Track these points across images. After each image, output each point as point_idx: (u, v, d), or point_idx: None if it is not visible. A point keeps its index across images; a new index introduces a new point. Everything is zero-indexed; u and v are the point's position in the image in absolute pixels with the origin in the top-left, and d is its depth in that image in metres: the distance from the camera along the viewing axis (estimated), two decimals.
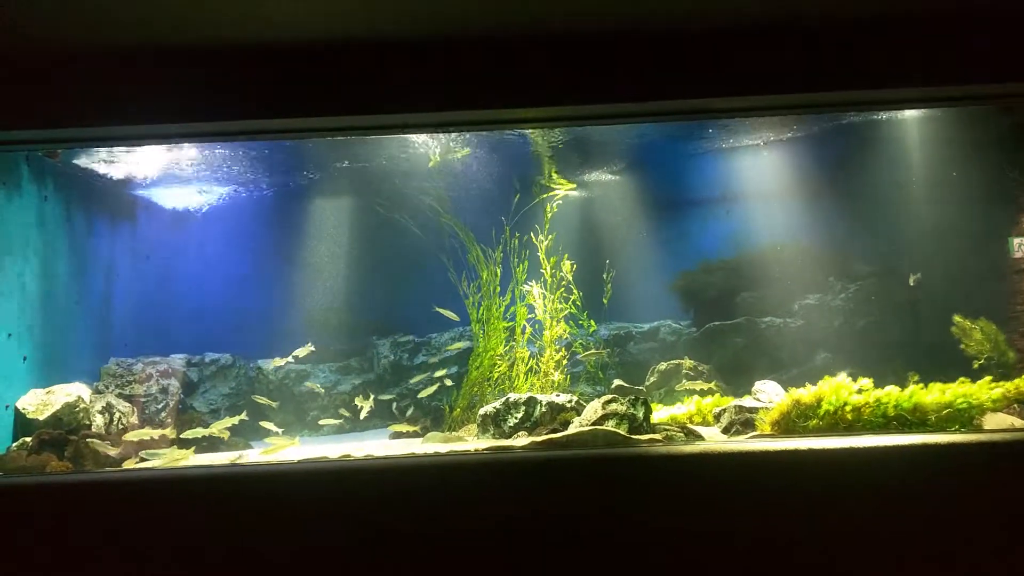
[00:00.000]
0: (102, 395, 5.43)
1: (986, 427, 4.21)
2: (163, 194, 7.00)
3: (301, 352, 6.08)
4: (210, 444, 5.07)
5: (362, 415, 5.91)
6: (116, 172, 6.18)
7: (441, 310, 6.03)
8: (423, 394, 6.16)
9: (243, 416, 5.38)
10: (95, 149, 5.51)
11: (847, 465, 3.48)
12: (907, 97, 4.12)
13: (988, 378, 4.60)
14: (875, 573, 3.38)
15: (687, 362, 6.37)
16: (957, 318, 5.50)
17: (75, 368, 5.51)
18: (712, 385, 5.96)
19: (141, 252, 6.80)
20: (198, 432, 5.00)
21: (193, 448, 4.74)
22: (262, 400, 6.02)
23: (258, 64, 3.76)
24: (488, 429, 4.95)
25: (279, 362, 6.43)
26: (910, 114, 5.71)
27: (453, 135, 5.66)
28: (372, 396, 6.05)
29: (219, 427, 5.10)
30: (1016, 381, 4.65)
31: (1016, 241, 5.27)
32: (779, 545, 3.40)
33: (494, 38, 3.73)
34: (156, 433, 4.69)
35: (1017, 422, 4.34)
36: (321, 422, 6.19)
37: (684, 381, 6.11)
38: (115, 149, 5.56)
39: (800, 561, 3.39)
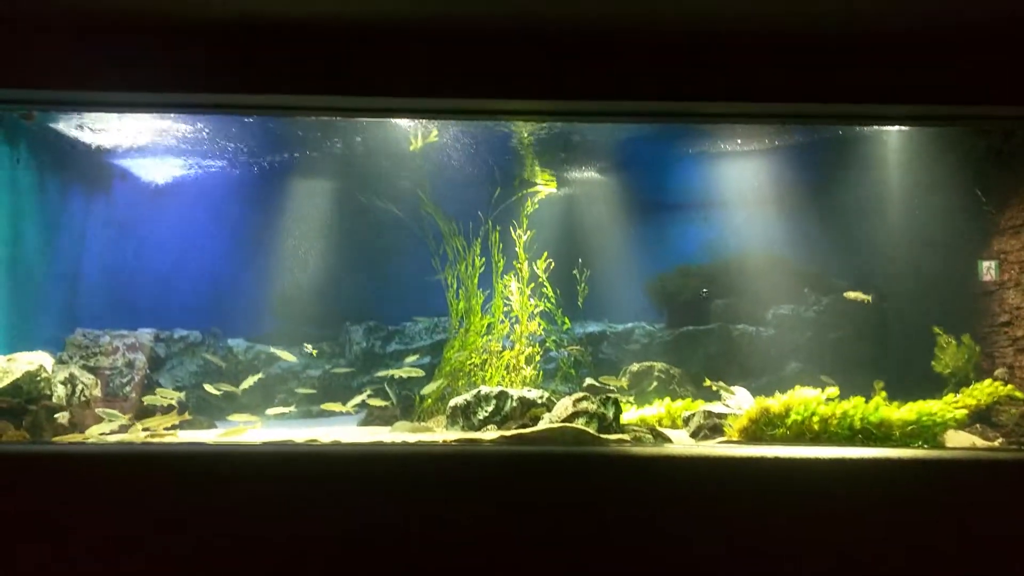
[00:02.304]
0: (66, 365, 5.32)
1: (948, 444, 4.27)
2: (141, 165, 6.87)
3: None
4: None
5: (354, 402, 5.60)
6: (94, 139, 6.06)
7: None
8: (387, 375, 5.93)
9: (186, 416, 4.99)
10: (72, 115, 5.39)
11: (811, 475, 3.51)
12: (887, 113, 4.26)
13: (951, 396, 4.66)
14: None
15: (658, 364, 6.40)
16: (937, 330, 5.56)
17: (39, 337, 5.38)
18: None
19: (114, 222, 6.67)
20: (120, 419, 4.65)
21: (142, 427, 4.58)
22: (225, 387, 5.74)
23: (251, 39, 3.72)
24: (457, 421, 4.93)
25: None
26: (892, 131, 5.77)
27: (438, 123, 5.62)
28: (367, 391, 5.76)
29: (156, 420, 4.71)
30: (974, 388, 4.72)
31: (984, 265, 5.36)
32: (739, 549, 3.42)
33: (486, 29, 3.72)
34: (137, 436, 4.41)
35: (979, 441, 4.42)
36: (269, 411, 5.73)
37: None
38: (93, 115, 5.45)
39: (759, 565, 3.42)
